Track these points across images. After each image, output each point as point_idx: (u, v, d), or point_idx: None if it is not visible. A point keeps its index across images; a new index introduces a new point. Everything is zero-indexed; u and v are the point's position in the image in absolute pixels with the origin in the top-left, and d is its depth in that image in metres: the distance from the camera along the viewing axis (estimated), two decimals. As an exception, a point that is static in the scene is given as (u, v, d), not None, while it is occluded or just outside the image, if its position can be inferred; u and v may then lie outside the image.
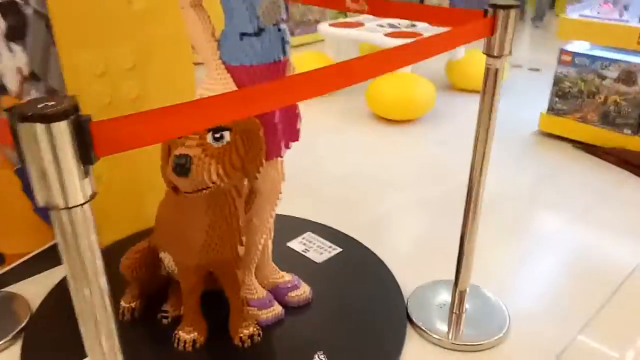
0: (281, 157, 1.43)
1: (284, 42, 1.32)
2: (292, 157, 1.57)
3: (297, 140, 1.46)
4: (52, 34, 1.61)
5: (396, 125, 3.28)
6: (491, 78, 1.35)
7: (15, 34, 1.56)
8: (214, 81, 1.28)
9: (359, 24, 3.80)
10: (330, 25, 3.79)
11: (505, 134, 3.12)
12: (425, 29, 3.65)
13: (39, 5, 1.58)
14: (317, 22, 5.48)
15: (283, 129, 1.41)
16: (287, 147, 1.44)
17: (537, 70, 4.45)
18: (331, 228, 2.11)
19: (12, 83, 1.59)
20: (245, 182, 1.37)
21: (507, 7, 1.25)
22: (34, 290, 1.71)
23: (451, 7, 5.99)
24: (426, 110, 3.35)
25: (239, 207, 1.36)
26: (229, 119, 0.91)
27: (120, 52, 1.79)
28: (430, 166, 2.77)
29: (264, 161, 1.31)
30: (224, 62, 1.29)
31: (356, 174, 2.68)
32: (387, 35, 3.47)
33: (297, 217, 2.18)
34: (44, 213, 1.77)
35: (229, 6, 1.26)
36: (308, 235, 2.05)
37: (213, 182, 1.18)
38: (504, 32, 1.27)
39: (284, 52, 1.33)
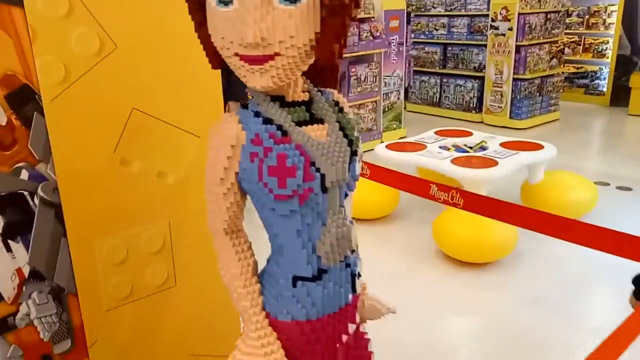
0: None
1: (353, 277, 0.95)
2: None
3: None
4: (63, 224, 1.31)
5: (472, 269, 2.81)
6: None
7: (17, 230, 1.26)
8: (250, 348, 0.90)
9: (421, 146, 3.46)
10: (388, 147, 3.47)
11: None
12: (498, 153, 3.26)
13: (49, 194, 1.28)
14: (370, 130, 5.22)
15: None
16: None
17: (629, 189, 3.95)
18: None
19: (7, 288, 1.27)
20: None
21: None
22: None
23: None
24: (507, 252, 2.87)
25: None
26: None
27: (147, 233, 1.47)
28: (513, 339, 2.26)
29: None
30: (268, 316, 0.92)
31: (403, 345, 2.21)
32: (454, 162, 3.10)
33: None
34: None
35: (276, 240, 0.91)
36: None
37: None
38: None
39: (354, 290, 0.96)
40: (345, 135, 0.91)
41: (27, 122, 1.21)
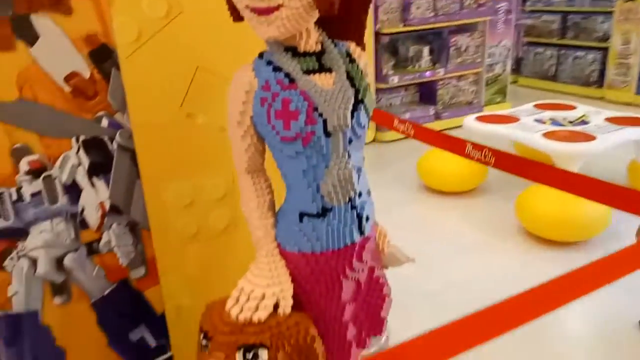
0: (354, 363, 1.09)
1: (361, 220, 1.02)
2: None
3: (379, 334, 1.12)
4: (137, 167, 1.51)
5: (557, 248, 2.69)
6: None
7: (99, 169, 1.49)
8: (259, 271, 1.01)
9: (513, 119, 3.32)
10: (478, 119, 3.38)
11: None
12: (599, 128, 3.04)
13: (125, 140, 1.49)
14: (470, 104, 5.06)
15: (360, 324, 1.08)
16: (364, 346, 1.11)
17: None
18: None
19: (92, 218, 1.51)
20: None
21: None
22: None
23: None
24: (599, 231, 2.70)
25: None
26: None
27: (211, 182, 1.63)
28: (616, 332, 2.13)
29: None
30: (278, 246, 1.02)
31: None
32: (546, 135, 2.95)
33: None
34: (118, 347, 1.65)
35: (287, 179, 1.00)
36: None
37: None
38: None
39: (362, 232, 1.03)
40: (353, 85, 0.97)
41: (106, 76, 1.42)
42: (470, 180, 3.35)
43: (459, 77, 4.95)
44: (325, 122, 0.93)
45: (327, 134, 0.94)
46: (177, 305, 1.67)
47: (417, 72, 4.74)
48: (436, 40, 4.82)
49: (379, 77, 4.59)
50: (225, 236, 1.71)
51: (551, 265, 2.57)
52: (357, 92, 0.97)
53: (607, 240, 2.70)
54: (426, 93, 5.00)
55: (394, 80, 4.64)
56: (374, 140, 4.65)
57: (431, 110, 4.85)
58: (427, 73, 4.75)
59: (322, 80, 0.96)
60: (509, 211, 2.96)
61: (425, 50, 4.77)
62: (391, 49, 4.81)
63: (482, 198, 3.33)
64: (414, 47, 4.78)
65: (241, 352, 0.91)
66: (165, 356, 1.77)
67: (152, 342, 1.74)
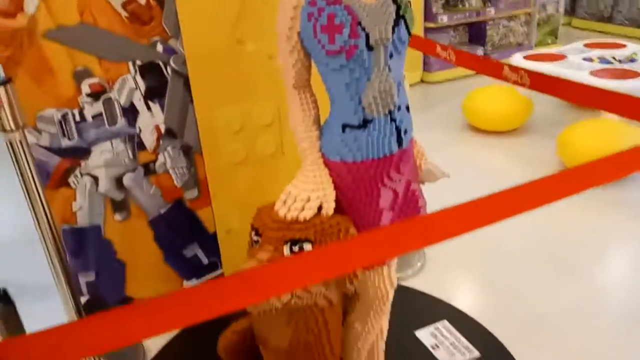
0: (386, 265, 1.18)
1: (399, 131, 1.08)
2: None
3: (414, 242, 1.20)
4: (190, 93, 1.60)
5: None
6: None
7: (155, 94, 1.58)
8: (304, 178, 1.09)
9: (561, 57, 3.23)
10: (525, 57, 3.30)
11: None
12: (650, 66, 2.94)
13: (179, 65, 1.57)
14: (520, 45, 4.91)
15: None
16: (399, 251, 1.18)
17: None
18: (473, 321, 1.77)
19: (149, 140, 1.62)
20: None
21: None
22: (153, 338, 1.74)
23: None
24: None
25: (331, 317, 1.16)
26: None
27: (259, 109, 1.71)
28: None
29: (358, 272, 1.09)
30: (323, 156, 1.10)
31: (528, 249, 2.23)
32: (593, 73, 2.88)
33: (436, 298, 1.88)
34: (174, 262, 1.80)
35: (331, 93, 1.06)
36: (443, 325, 1.75)
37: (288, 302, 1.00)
38: None
39: (400, 144, 1.09)
40: (395, 1, 1.01)
41: (161, 3, 1.49)
42: (514, 118, 3.31)
43: (510, 18, 4.77)
44: (367, 36, 0.97)
45: (370, 47, 0.98)
46: (228, 226, 1.79)
47: (467, 11, 4.61)
48: (486, -22, 4.65)
49: (428, 16, 4.49)
50: (273, 161, 1.80)
51: (591, 203, 2.57)
52: (398, 8, 1.01)
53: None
54: (475, 33, 4.86)
55: (443, 19, 4.53)
56: (420, 82, 4.62)
57: (480, 51, 4.73)
58: (477, 13, 4.62)
59: None
60: (551, 149, 2.94)
61: (475, -12, 4.62)
62: (439, -13, 4.68)
63: (526, 136, 3.29)
64: (464, -14, 4.64)
65: (288, 245, 1.00)
66: (217, 273, 1.92)
67: (204, 259, 1.88)
